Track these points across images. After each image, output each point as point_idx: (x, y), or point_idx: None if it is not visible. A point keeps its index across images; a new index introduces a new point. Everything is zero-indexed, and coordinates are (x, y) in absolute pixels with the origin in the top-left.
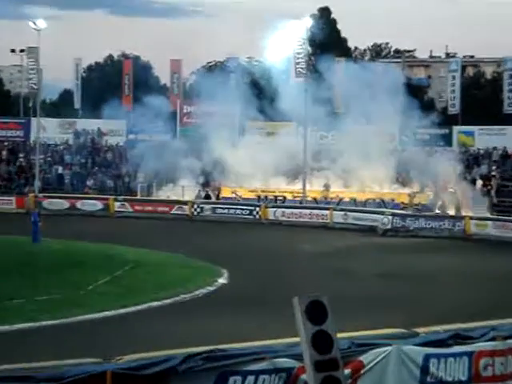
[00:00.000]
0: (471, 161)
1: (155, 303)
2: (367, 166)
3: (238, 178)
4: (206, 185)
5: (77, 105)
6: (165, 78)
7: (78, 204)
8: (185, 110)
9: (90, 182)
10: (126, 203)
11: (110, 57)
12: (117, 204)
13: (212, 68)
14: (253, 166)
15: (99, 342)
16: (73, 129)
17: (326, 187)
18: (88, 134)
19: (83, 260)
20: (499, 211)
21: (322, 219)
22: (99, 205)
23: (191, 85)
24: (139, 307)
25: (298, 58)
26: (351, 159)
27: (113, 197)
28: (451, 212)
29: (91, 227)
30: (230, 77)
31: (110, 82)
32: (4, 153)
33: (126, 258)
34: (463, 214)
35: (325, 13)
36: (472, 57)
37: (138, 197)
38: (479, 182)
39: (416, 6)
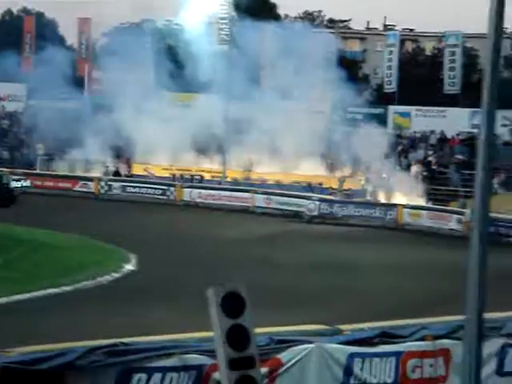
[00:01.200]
0: (406, 144)
1: (53, 290)
2: (293, 146)
3: (147, 153)
4: (115, 160)
5: None
6: (71, 39)
7: None
8: (93, 75)
9: None
10: (24, 177)
11: (9, 12)
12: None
13: (125, 30)
14: (165, 139)
15: None
16: None
17: (248, 167)
18: None
19: None
20: (435, 200)
21: (243, 202)
22: None
23: (101, 47)
24: (35, 294)
25: (222, 24)
26: (276, 137)
27: (9, 170)
28: (383, 199)
29: None
30: (144, 41)
31: (8, 41)
32: None
33: (21, 238)
34: (395, 202)
35: None
36: (411, 30)
37: (38, 171)
38: (414, 168)
39: None
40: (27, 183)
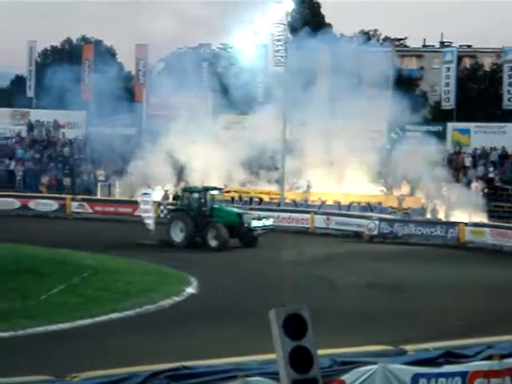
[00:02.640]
0: (466, 161)
1: (115, 315)
2: (351, 165)
3: (204, 176)
4: (175, 184)
5: (30, 93)
6: (129, 65)
7: (31, 204)
8: (151, 101)
9: (44, 180)
10: (84, 203)
11: (69, 40)
12: (74, 204)
13: (182, 54)
14: (221, 163)
15: (52, 357)
16: (26, 120)
17: (307, 188)
18: (43, 125)
19: (35, 266)
20: (497, 217)
21: (303, 224)
22: (54, 205)
23: (158, 72)
24: (97, 319)
25: (278, 46)
26: (333, 158)
27: (70, 196)
28: (443, 217)
29: (45, 229)
30: (201, 65)
31: (67, 69)
32: None
33: (84, 264)
34: (456, 219)
35: None
36: (469, 46)
37: (98, 196)
38: (475, 185)
39: None
40: (270, 222)
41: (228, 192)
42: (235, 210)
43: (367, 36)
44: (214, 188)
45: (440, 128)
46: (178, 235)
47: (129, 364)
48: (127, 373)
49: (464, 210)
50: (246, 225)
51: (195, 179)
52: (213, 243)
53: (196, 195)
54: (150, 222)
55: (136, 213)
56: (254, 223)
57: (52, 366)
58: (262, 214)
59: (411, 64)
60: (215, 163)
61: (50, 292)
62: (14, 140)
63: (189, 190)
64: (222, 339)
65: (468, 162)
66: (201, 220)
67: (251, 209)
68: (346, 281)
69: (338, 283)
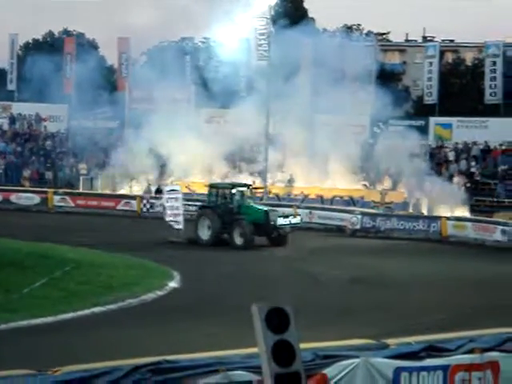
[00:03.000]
0: (448, 156)
1: (98, 309)
2: (334, 159)
3: (185, 170)
4: (157, 178)
5: (11, 86)
6: (112, 59)
7: (13, 197)
8: (134, 94)
9: (26, 173)
10: (66, 197)
11: (50, 33)
12: (56, 198)
13: (164, 48)
14: (203, 156)
15: (34, 351)
16: (7, 113)
17: (290, 182)
18: (25, 119)
19: (17, 260)
20: (479, 211)
21: None
22: (36, 198)
23: (141, 66)
24: (80, 313)
25: (260, 40)
26: (316, 151)
27: (52, 190)
28: (425, 212)
29: (27, 223)
30: (184, 58)
31: (49, 62)
32: None
33: (66, 257)
34: (439, 214)
35: None
36: (451, 41)
37: (80, 190)
38: (457, 179)
39: None
40: (297, 220)
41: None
42: (262, 207)
43: (350, 30)
44: (242, 184)
45: (422, 122)
46: (204, 233)
47: (111, 358)
48: (109, 367)
49: (446, 205)
50: (272, 223)
51: (177, 173)
52: (238, 241)
53: (223, 192)
54: (179, 220)
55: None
56: (280, 221)
57: (34, 360)
58: (288, 211)
59: (394, 58)
60: (197, 157)
61: (32, 286)
62: None
63: (215, 187)
64: (204, 333)
65: (450, 156)
66: (228, 217)
67: None
68: (329, 275)
69: (321, 277)
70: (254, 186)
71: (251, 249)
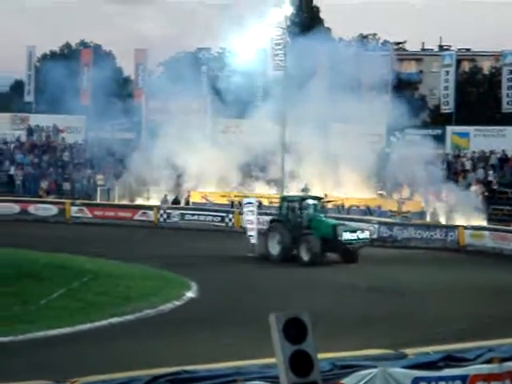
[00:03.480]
0: (466, 165)
1: (115, 319)
2: (351, 168)
3: (203, 180)
4: (176, 188)
5: (29, 98)
6: (129, 70)
7: (31, 208)
8: (150, 105)
9: (44, 184)
10: (83, 208)
11: (68, 45)
12: (74, 209)
13: (181, 59)
14: (221, 166)
15: (51, 362)
16: (25, 125)
17: (305, 191)
18: (42, 130)
19: (35, 271)
20: (496, 220)
21: None
22: (54, 209)
23: (158, 77)
24: (98, 324)
25: (277, 50)
26: (332, 161)
27: (69, 201)
28: (443, 221)
29: (45, 234)
30: (200, 69)
31: (67, 74)
32: None
33: (84, 268)
34: (456, 223)
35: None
36: (468, 50)
37: (98, 201)
38: (474, 188)
39: None
40: (365, 235)
41: (226, 196)
42: (332, 221)
43: (366, 40)
44: (313, 197)
45: (439, 131)
46: (275, 248)
47: (129, 368)
48: (127, 377)
49: (463, 214)
50: (339, 238)
51: (192, 183)
52: (305, 257)
53: (293, 205)
54: (253, 234)
55: (135, 217)
56: (346, 236)
57: (52, 370)
58: (356, 225)
59: (410, 68)
60: (213, 167)
61: (49, 297)
62: (13, 145)
63: (286, 199)
64: (222, 343)
65: (467, 165)
66: (297, 232)
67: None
68: (346, 284)
69: (338, 287)
70: (327, 199)
71: (319, 265)
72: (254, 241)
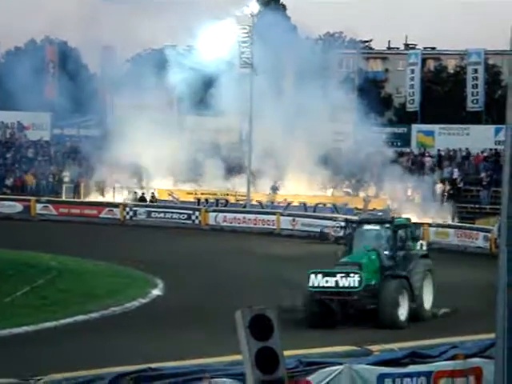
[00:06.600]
0: (431, 163)
1: (81, 317)
2: (317, 166)
3: (169, 177)
4: (139, 185)
5: None
6: (95, 67)
7: None
8: (117, 102)
9: (8, 181)
10: (49, 205)
11: (33, 41)
12: (39, 206)
13: (147, 56)
14: (190, 164)
15: (16, 360)
16: None
17: (274, 190)
18: (6, 127)
19: None
20: (461, 218)
21: (269, 225)
22: (19, 206)
23: (124, 74)
24: (62, 321)
25: (244, 48)
26: (299, 158)
27: (34, 198)
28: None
29: (9, 232)
30: (166, 66)
31: (31, 70)
32: None
33: (49, 266)
34: (421, 220)
35: None
36: (433, 49)
37: (63, 198)
38: (439, 186)
39: None
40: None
41: (192, 194)
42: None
43: (332, 38)
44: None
45: (405, 130)
46: None
47: (94, 366)
48: (92, 375)
49: (428, 211)
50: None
51: (157, 180)
52: None
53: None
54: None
55: (101, 215)
56: (314, 281)
57: (16, 368)
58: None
59: (376, 66)
60: (180, 165)
61: (13, 295)
62: None
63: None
64: (187, 341)
65: (432, 163)
66: None
67: (216, 210)
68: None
69: (303, 284)
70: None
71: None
72: None
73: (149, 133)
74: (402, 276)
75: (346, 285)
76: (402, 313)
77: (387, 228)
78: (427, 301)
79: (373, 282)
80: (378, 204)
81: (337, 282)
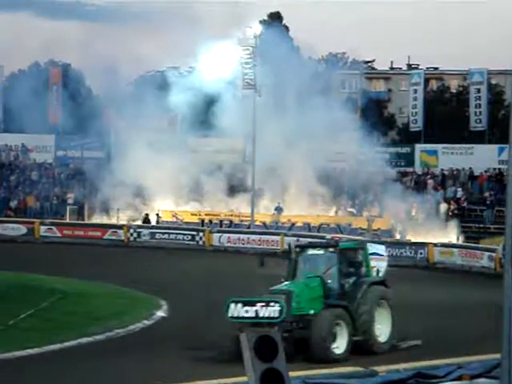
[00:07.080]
0: (434, 182)
1: (85, 339)
2: (320, 187)
3: (174, 198)
4: (144, 207)
5: None
6: (98, 89)
7: None
8: (120, 125)
9: (12, 204)
10: (53, 227)
11: (36, 64)
12: (43, 228)
13: (150, 78)
14: (194, 186)
15: (21, 383)
16: None
17: (278, 210)
18: (11, 150)
19: (2, 291)
20: (465, 237)
21: (273, 245)
22: (23, 229)
23: (127, 96)
24: (67, 344)
25: (246, 69)
26: (303, 179)
27: (39, 220)
28: (412, 238)
29: (13, 254)
30: (169, 88)
31: (35, 93)
32: None
33: (53, 288)
34: (426, 240)
35: (275, 19)
36: (436, 69)
37: (67, 220)
38: (443, 206)
39: (376, 13)
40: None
41: (196, 215)
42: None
43: (335, 58)
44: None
45: (408, 149)
46: None
47: None
48: None
49: (432, 231)
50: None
51: (160, 201)
52: None
53: None
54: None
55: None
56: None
57: None
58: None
59: (379, 86)
60: (183, 186)
61: (18, 317)
62: None
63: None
64: (192, 362)
65: (436, 183)
66: None
67: (220, 231)
68: None
69: None
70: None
71: None
72: None
73: (152, 154)
74: (341, 305)
75: (266, 315)
76: (339, 346)
77: (332, 252)
78: (382, 333)
79: (311, 312)
80: (382, 224)
81: (257, 311)
